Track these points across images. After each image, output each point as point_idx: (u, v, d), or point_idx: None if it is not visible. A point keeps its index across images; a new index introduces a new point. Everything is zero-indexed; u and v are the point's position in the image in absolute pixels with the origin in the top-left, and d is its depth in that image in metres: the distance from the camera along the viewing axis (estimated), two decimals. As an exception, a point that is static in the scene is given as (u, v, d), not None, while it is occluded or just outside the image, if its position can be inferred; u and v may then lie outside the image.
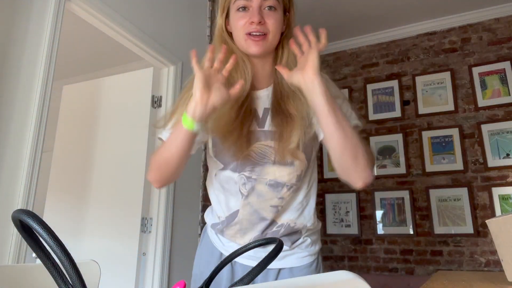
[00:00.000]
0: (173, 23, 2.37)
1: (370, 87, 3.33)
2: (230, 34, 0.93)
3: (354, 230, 3.09)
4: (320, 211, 3.26)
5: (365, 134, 3.25)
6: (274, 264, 0.94)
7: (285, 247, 0.94)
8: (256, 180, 0.91)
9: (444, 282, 0.78)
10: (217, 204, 0.98)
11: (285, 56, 0.91)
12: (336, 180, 3.26)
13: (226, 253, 0.97)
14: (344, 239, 3.13)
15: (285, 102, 0.89)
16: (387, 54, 3.34)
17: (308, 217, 0.97)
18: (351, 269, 3.04)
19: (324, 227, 3.21)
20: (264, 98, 0.93)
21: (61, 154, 2.52)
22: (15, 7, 1.50)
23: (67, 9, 1.73)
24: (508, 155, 2.74)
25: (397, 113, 3.17)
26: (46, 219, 2.39)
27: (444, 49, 3.13)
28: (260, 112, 0.92)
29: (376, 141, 3.19)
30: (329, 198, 3.25)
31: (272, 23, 0.85)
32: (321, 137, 0.92)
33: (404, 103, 3.18)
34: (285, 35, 0.92)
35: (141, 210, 2.11)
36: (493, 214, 2.70)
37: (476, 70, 2.97)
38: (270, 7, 0.85)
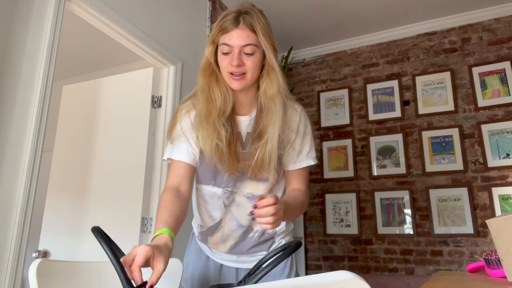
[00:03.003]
0: (173, 23, 2.37)
1: (370, 87, 3.33)
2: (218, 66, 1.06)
3: (354, 230, 3.09)
4: (320, 211, 3.26)
5: (365, 134, 3.25)
6: (251, 265, 1.07)
7: (263, 252, 1.11)
8: (236, 193, 1.08)
9: (444, 282, 0.77)
10: (199, 214, 1.14)
11: (264, 86, 1.05)
12: (336, 180, 3.26)
13: (213, 257, 1.14)
14: (344, 239, 3.13)
15: (264, 125, 1.04)
16: (387, 54, 3.34)
17: None
18: (351, 269, 3.04)
19: (324, 227, 3.21)
20: (246, 123, 1.08)
21: (61, 154, 2.52)
22: (15, 7, 1.50)
23: (67, 9, 1.72)
24: (508, 155, 2.74)
25: (397, 113, 3.17)
26: (46, 219, 2.39)
27: (444, 49, 3.13)
28: (244, 136, 1.08)
29: (376, 141, 3.19)
30: (329, 198, 3.25)
31: (250, 64, 0.99)
32: (287, 168, 1.12)
33: (404, 103, 3.18)
34: (265, 68, 1.06)
35: (141, 210, 2.11)
36: (493, 214, 2.70)
37: (476, 70, 2.97)
38: (248, 54, 0.99)
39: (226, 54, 0.99)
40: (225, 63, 0.99)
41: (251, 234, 1.10)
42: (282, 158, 1.09)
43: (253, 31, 0.98)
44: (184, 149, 1.05)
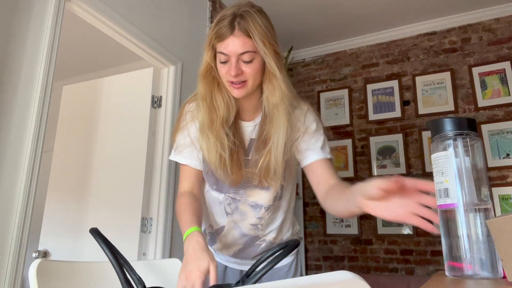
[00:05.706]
0: (173, 23, 2.37)
1: (370, 87, 3.33)
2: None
3: (354, 230, 3.09)
4: (320, 211, 3.26)
5: (364, 134, 3.25)
6: None
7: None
8: (239, 201, 1.05)
9: (444, 282, 0.77)
10: (206, 216, 1.11)
11: (266, 92, 0.99)
12: (336, 180, 3.26)
13: (217, 258, 1.11)
14: (344, 239, 3.13)
15: (268, 133, 0.99)
16: (387, 54, 3.34)
17: (284, 232, 1.13)
18: (351, 269, 3.04)
19: (324, 227, 3.21)
20: (250, 129, 1.05)
21: (61, 154, 2.52)
22: (15, 7, 1.50)
23: (67, 9, 1.73)
24: (508, 155, 2.74)
25: (397, 113, 3.17)
26: (46, 219, 2.39)
27: (444, 49, 3.13)
28: (246, 142, 1.04)
29: (376, 141, 3.19)
30: (329, 198, 3.25)
31: (249, 71, 0.93)
32: (303, 164, 1.05)
33: (404, 103, 3.18)
34: (266, 74, 0.98)
35: (141, 210, 2.11)
36: (493, 214, 2.70)
37: (476, 70, 2.97)
38: (246, 62, 0.92)
39: (224, 63, 0.93)
40: (223, 72, 0.94)
41: (258, 242, 1.08)
42: (290, 162, 1.04)
43: (250, 36, 0.90)
44: (194, 155, 1.04)
